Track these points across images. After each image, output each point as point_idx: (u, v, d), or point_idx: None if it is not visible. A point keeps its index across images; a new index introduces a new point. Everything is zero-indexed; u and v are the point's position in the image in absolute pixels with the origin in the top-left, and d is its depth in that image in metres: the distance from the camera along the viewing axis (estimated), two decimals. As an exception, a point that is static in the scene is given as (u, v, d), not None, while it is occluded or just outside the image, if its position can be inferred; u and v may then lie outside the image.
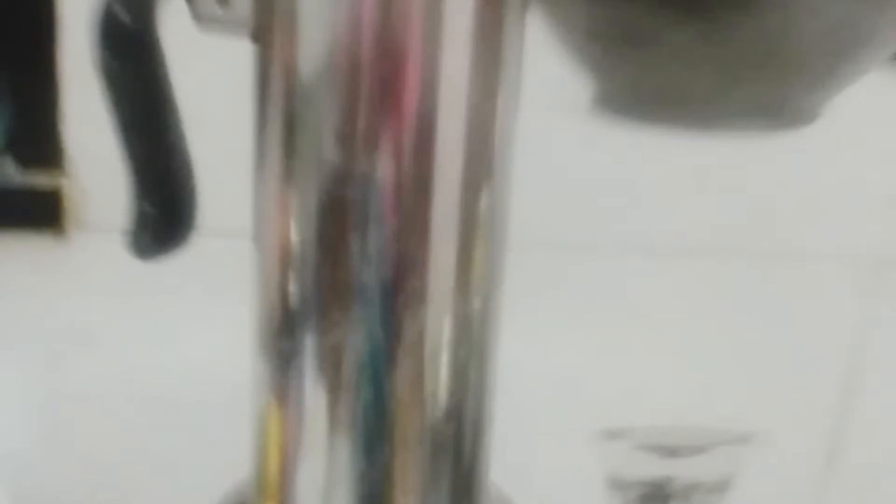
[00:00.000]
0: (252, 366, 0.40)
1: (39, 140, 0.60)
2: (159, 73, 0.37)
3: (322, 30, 0.32)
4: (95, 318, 0.64)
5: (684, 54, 0.60)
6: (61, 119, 0.60)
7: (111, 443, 0.66)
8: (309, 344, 0.35)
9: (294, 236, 0.34)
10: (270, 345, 0.36)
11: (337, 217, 0.33)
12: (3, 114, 0.62)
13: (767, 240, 0.69)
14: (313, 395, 0.35)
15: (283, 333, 0.35)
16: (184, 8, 0.36)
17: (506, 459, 0.41)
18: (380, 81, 0.32)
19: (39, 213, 0.60)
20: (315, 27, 0.32)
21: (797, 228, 0.68)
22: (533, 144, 0.41)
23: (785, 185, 0.67)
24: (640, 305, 0.69)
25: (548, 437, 0.47)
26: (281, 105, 0.33)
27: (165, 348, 0.65)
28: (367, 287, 0.34)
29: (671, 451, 0.73)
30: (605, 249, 0.67)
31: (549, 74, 0.48)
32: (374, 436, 0.36)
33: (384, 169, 0.33)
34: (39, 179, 0.60)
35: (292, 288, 0.34)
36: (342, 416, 0.35)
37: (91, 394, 0.65)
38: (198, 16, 0.35)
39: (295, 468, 0.36)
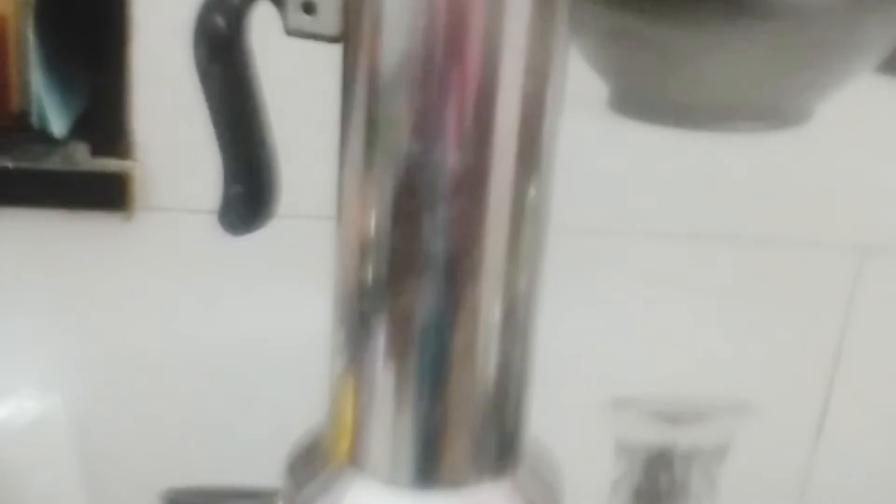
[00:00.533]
0: (320, 334, 0.44)
1: (109, 128, 0.63)
2: (248, 73, 0.41)
3: (401, 38, 0.36)
4: (159, 290, 0.67)
5: (692, 60, 0.64)
6: (129, 110, 0.63)
7: (171, 405, 0.70)
8: (383, 308, 0.39)
9: (372, 216, 0.38)
10: (348, 310, 0.40)
11: (410, 199, 0.37)
12: (76, 103, 0.66)
13: (765, 227, 0.71)
14: (384, 353, 0.39)
15: (360, 299, 0.39)
16: (274, 15, 0.40)
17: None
18: (448, 83, 0.37)
19: (109, 194, 0.64)
20: (395, 35, 0.36)
21: (794, 217, 0.71)
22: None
23: (783, 179, 0.71)
24: (648, 285, 0.72)
25: (562, 406, 0.49)
26: (363, 101, 0.37)
27: (225, 320, 0.68)
28: (434, 260, 0.38)
29: (674, 419, 0.75)
30: (616, 234, 0.70)
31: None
32: (435, 390, 0.40)
33: (450, 158, 0.37)
34: (109, 164, 0.63)
35: (370, 260, 0.39)
36: (408, 372, 0.39)
37: (154, 360, 0.68)
38: (288, 25, 0.39)
39: (368, 417, 0.40)
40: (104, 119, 0.63)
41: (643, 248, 0.70)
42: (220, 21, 0.40)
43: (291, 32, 0.39)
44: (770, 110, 0.66)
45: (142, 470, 0.70)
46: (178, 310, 0.67)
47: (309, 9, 0.38)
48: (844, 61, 0.64)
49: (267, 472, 0.70)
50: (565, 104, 0.42)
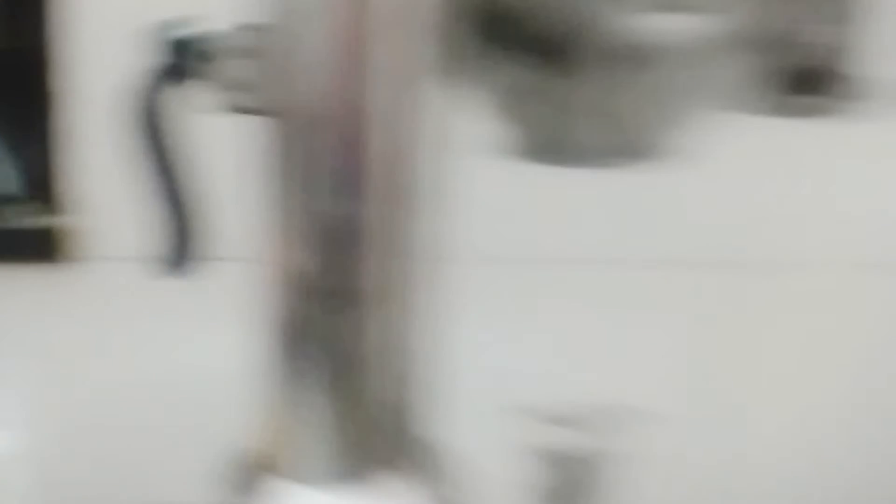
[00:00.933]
0: (241, 366, 0.49)
1: (48, 187, 0.68)
2: (176, 141, 0.47)
3: (311, 104, 0.42)
4: (99, 333, 0.72)
5: (580, 106, 0.70)
6: (66, 171, 0.68)
7: (109, 435, 0.74)
8: (300, 335, 0.45)
9: (290, 255, 0.44)
10: (271, 338, 0.46)
11: (318, 242, 0.44)
12: (15, 165, 0.71)
13: (656, 248, 0.77)
14: (301, 373, 0.45)
15: (282, 329, 0.45)
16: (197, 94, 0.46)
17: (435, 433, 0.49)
18: (336, 148, 0.43)
19: (49, 247, 0.68)
20: (307, 102, 0.42)
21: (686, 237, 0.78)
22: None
23: (672, 205, 0.78)
24: (554, 303, 0.77)
25: (469, 413, 0.53)
26: (281, 159, 0.43)
27: (155, 357, 0.73)
28: (342, 290, 0.44)
29: (577, 423, 0.79)
30: (518, 261, 0.75)
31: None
32: (346, 402, 0.45)
33: (362, 199, 0.43)
34: (49, 220, 0.68)
35: (289, 293, 0.45)
36: (323, 387, 0.45)
37: (94, 395, 0.73)
38: (213, 101, 0.45)
39: (290, 429, 0.46)
40: (42, 179, 0.68)
41: (549, 272, 0.76)
42: (150, 98, 0.46)
43: (217, 107, 0.45)
44: (647, 146, 0.74)
45: (94, 498, 0.75)
46: (112, 349, 0.72)
47: (232, 87, 0.44)
48: (707, 102, 0.72)
49: (199, 489, 0.76)
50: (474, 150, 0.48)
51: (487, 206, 0.71)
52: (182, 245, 0.49)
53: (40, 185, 0.69)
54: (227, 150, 0.51)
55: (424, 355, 0.47)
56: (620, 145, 0.73)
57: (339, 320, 0.45)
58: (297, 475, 0.47)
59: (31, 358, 0.72)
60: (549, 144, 0.72)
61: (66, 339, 0.72)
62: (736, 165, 0.75)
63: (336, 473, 0.46)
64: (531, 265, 0.76)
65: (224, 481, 0.49)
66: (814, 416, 0.84)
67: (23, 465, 0.71)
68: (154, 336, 0.72)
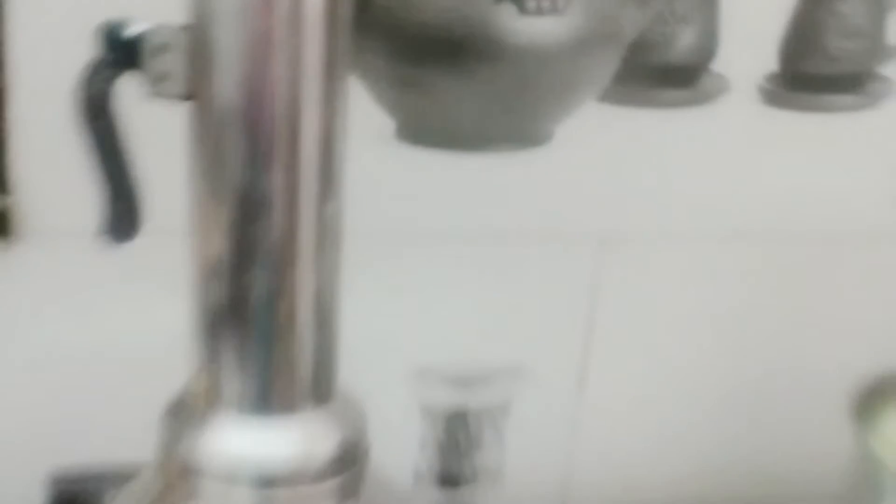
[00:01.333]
0: (175, 330, 0.55)
1: None
2: (117, 125, 0.53)
3: (227, 94, 0.49)
4: (39, 304, 0.77)
5: (451, 97, 0.77)
6: (5, 154, 0.73)
7: (52, 401, 0.79)
8: (228, 293, 0.51)
9: (216, 227, 0.51)
10: (203, 296, 0.52)
11: (242, 214, 0.50)
12: None
13: (523, 225, 0.84)
14: (230, 324, 0.52)
15: (210, 288, 0.52)
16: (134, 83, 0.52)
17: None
18: (263, 127, 0.49)
19: None
20: (224, 92, 0.49)
21: (543, 216, 0.85)
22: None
23: (531, 187, 0.84)
24: (441, 276, 0.83)
25: (371, 376, 0.57)
26: (203, 140, 0.50)
27: (96, 325, 0.78)
28: (263, 255, 0.51)
29: (466, 384, 0.86)
30: (408, 235, 0.81)
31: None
32: (268, 345, 0.52)
33: (269, 182, 0.50)
34: None
35: (216, 259, 0.51)
36: (248, 334, 0.52)
37: (37, 362, 0.78)
38: (147, 90, 0.51)
39: (220, 370, 0.53)
40: None
41: (435, 247, 0.83)
42: (94, 88, 0.52)
43: (150, 95, 0.51)
44: (518, 134, 0.81)
45: (29, 459, 0.79)
46: (55, 319, 0.77)
47: (162, 78, 0.51)
48: (573, 93, 0.80)
49: (138, 453, 0.81)
50: (360, 136, 0.55)
51: (376, 184, 0.77)
52: (121, 220, 0.55)
53: None
54: (160, 133, 0.58)
55: (329, 313, 0.54)
56: (495, 132, 0.80)
57: (253, 282, 0.52)
58: (224, 409, 0.54)
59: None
60: (427, 131, 0.79)
61: (6, 311, 0.77)
62: (602, 150, 0.84)
63: (259, 407, 0.53)
64: (426, 241, 0.83)
65: (162, 422, 0.55)
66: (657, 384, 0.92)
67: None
68: (91, 305, 0.78)
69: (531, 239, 0.85)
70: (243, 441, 0.53)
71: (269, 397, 0.54)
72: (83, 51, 0.52)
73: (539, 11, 0.75)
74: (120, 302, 0.78)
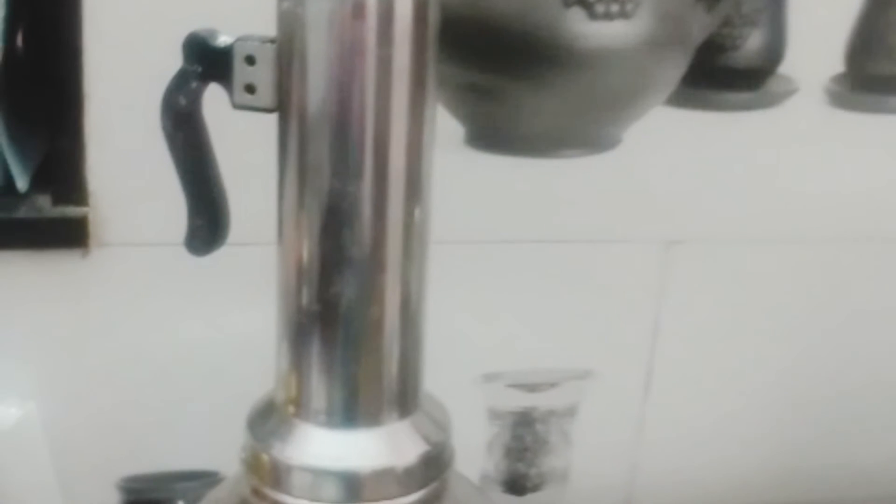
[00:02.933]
0: (253, 340, 0.55)
1: (67, 181, 0.72)
2: (204, 136, 0.52)
3: (319, 107, 0.48)
4: (114, 312, 0.76)
5: (521, 102, 0.76)
6: (83, 165, 0.72)
7: (128, 408, 0.79)
8: (316, 300, 0.50)
9: (306, 235, 0.49)
10: (289, 303, 0.51)
11: (332, 222, 0.49)
12: (35, 162, 0.75)
13: (587, 230, 0.82)
14: (318, 332, 0.51)
15: (299, 294, 0.50)
16: (223, 95, 0.51)
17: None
18: (354, 138, 0.48)
19: (68, 236, 0.73)
20: (315, 105, 0.48)
21: (610, 219, 0.83)
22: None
23: (600, 191, 0.83)
24: (509, 282, 0.82)
25: (444, 381, 0.55)
26: (295, 152, 0.49)
27: (171, 334, 0.77)
28: (352, 263, 0.50)
29: (533, 387, 0.85)
30: (482, 242, 0.80)
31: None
32: (356, 356, 0.51)
33: (359, 191, 0.49)
34: (68, 211, 0.72)
35: (305, 266, 0.50)
36: (336, 343, 0.51)
37: (112, 370, 0.77)
38: (234, 102, 0.50)
39: (307, 379, 0.52)
40: (62, 174, 0.72)
41: (503, 252, 0.81)
42: (181, 99, 0.51)
43: (237, 107, 0.50)
44: (587, 138, 0.80)
45: (104, 462, 0.79)
46: (131, 326, 0.76)
47: (250, 89, 0.50)
48: (641, 97, 0.79)
49: (209, 458, 0.80)
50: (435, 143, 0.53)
51: (445, 190, 0.75)
52: (205, 232, 0.53)
53: (66, 177, 0.73)
54: (246, 144, 0.57)
55: (417, 321, 0.53)
56: (563, 137, 0.79)
57: (343, 289, 0.50)
58: (310, 419, 0.52)
59: (48, 334, 0.76)
60: (496, 136, 0.78)
61: (84, 319, 0.77)
62: (669, 154, 0.82)
63: (346, 419, 0.52)
64: (494, 246, 0.82)
65: (247, 429, 0.54)
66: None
67: (37, 434, 0.76)
68: (166, 314, 0.77)
69: (598, 243, 0.84)
70: (329, 453, 0.52)
71: (356, 409, 0.53)
72: (162, 60, 0.52)
73: (608, 16, 0.74)
74: (194, 311, 0.77)
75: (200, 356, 0.78)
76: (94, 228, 0.73)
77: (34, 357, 0.76)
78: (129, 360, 0.78)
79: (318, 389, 0.52)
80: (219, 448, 0.58)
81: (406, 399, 0.54)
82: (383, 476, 0.52)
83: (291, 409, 0.53)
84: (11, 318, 0.75)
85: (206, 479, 0.80)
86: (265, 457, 0.53)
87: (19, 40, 0.73)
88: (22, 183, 0.73)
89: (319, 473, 0.52)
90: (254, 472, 0.54)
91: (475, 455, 0.87)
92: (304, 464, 0.52)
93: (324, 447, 0.52)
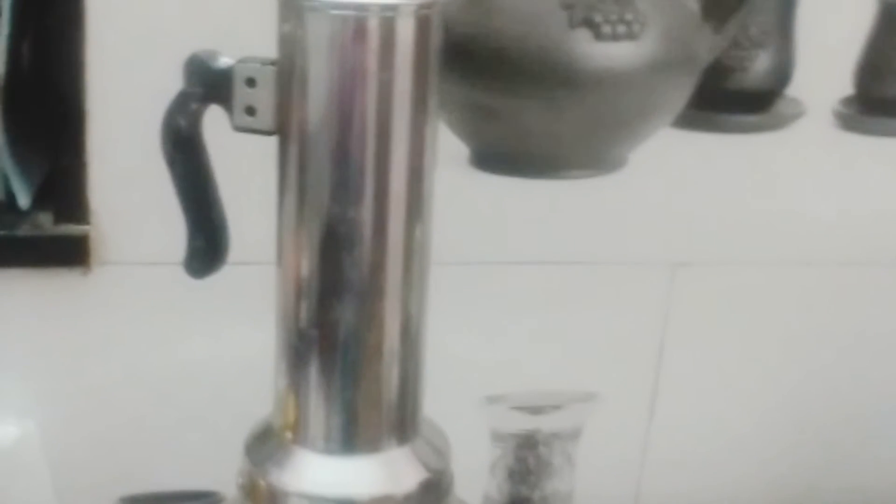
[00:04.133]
0: (252, 360, 0.54)
1: (68, 199, 0.72)
2: (204, 158, 0.51)
3: (319, 129, 0.47)
4: (114, 331, 0.75)
5: (526, 123, 0.76)
6: (85, 184, 0.72)
7: (126, 427, 0.78)
8: (314, 323, 0.49)
9: (305, 257, 0.49)
10: (288, 326, 0.50)
11: (331, 244, 0.48)
12: (37, 180, 0.74)
13: (595, 251, 0.82)
14: (316, 356, 0.50)
15: (297, 317, 0.50)
16: (223, 116, 0.51)
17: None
18: (354, 161, 0.48)
19: (69, 254, 0.72)
20: (315, 127, 0.47)
21: (616, 241, 0.82)
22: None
23: (606, 212, 0.82)
24: (512, 305, 0.82)
25: (447, 404, 0.54)
26: (294, 174, 0.48)
27: (171, 353, 0.77)
28: (351, 286, 0.49)
29: (536, 410, 0.85)
30: (485, 263, 0.80)
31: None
32: (354, 382, 0.50)
33: (359, 213, 0.49)
34: (69, 229, 0.72)
35: (304, 288, 0.49)
36: (334, 368, 0.50)
37: (111, 389, 0.77)
38: (234, 124, 0.49)
39: (305, 405, 0.51)
40: (64, 192, 0.72)
41: (507, 273, 0.81)
42: (181, 121, 0.51)
43: (238, 129, 0.50)
44: (592, 160, 0.79)
45: (103, 481, 0.78)
46: (130, 345, 0.76)
47: (251, 111, 0.49)
48: (648, 118, 0.78)
49: (209, 478, 0.80)
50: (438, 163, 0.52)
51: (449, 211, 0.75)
52: (205, 253, 0.53)
53: (68, 195, 0.73)
54: (244, 164, 0.56)
55: (416, 342, 0.52)
56: (569, 158, 0.78)
57: (342, 313, 0.50)
58: (308, 445, 0.52)
59: (48, 353, 0.76)
60: (501, 157, 0.77)
61: (84, 337, 0.76)
62: (675, 175, 0.81)
63: (345, 445, 0.51)
64: (497, 267, 0.81)
65: (246, 452, 0.53)
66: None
67: (37, 452, 0.75)
68: (166, 333, 0.77)
69: (603, 264, 0.83)
70: (327, 480, 0.51)
71: (355, 435, 0.52)
72: (164, 78, 0.51)
73: (614, 37, 0.73)
74: (194, 330, 0.77)
75: (200, 375, 0.77)
76: (95, 247, 0.73)
77: (34, 375, 0.76)
78: (129, 379, 0.77)
79: (317, 415, 0.52)
80: (218, 468, 0.57)
81: (405, 425, 0.53)
82: (380, 502, 0.51)
83: (289, 434, 0.52)
84: (11, 336, 0.75)
85: (205, 499, 0.79)
86: (262, 483, 0.52)
87: (23, 58, 0.72)
88: (24, 200, 0.73)
89: (317, 501, 0.51)
90: (251, 498, 0.53)
91: (478, 477, 0.86)
92: (302, 490, 0.51)
93: (322, 474, 0.51)
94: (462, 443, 0.55)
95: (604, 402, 0.86)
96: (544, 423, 0.85)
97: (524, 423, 0.85)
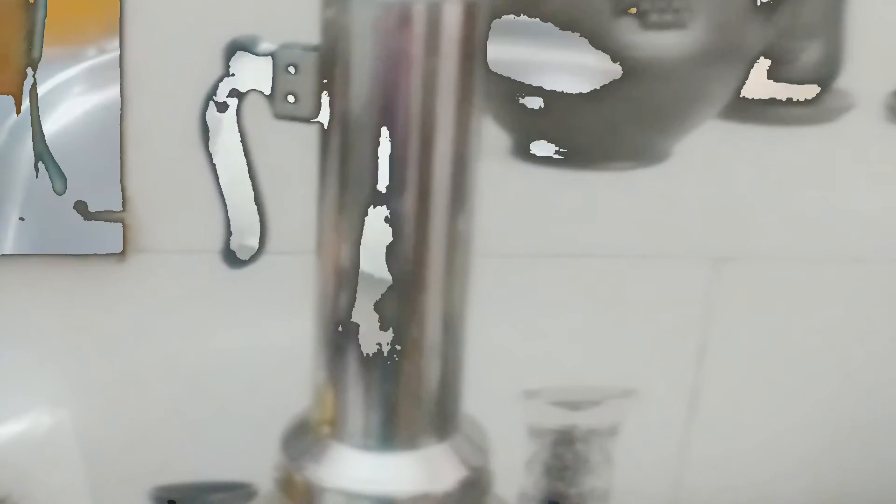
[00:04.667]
0: (289, 350, 0.53)
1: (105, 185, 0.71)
2: (243, 146, 0.50)
3: (362, 115, 0.47)
4: (150, 318, 0.75)
5: (569, 113, 0.74)
6: (124, 167, 0.71)
7: (161, 416, 0.78)
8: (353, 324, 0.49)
9: (345, 248, 0.48)
10: (327, 317, 0.49)
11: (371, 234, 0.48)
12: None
13: (634, 245, 0.81)
14: (355, 349, 0.49)
15: (336, 308, 0.49)
16: (263, 104, 0.49)
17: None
18: (398, 146, 0.47)
19: (105, 241, 0.72)
20: (358, 113, 0.47)
21: (656, 235, 0.81)
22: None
23: (646, 205, 0.82)
24: (551, 298, 0.81)
25: (484, 399, 0.54)
26: (336, 162, 0.48)
27: (207, 342, 0.76)
28: (392, 278, 0.49)
29: (574, 406, 0.84)
30: (526, 256, 0.79)
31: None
32: (394, 376, 0.49)
33: (402, 202, 0.48)
34: (105, 215, 0.72)
35: (344, 279, 0.49)
36: (374, 362, 0.49)
37: (146, 378, 0.76)
38: (276, 111, 0.49)
39: (344, 399, 0.50)
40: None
41: (547, 266, 0.79)
42: (221, 108, 0.50)
43: (278, 116, 0.49)
44: (636, 151, 0.78)
45: (137, 471, 0.78)
46: (166, 334, 0.75)
47: (292, 98, 0.48)
48: (694, 109, 0.77)
49: (243, 470, 0.79)
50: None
51: (488, 202, 0.74)
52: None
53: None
54: (284, 153, 0.56)
55: (457, 335, 0.51)
56: (612, 149, 0.77)
57: (384, 306, 0.49)
58: (346, 441, 0.51)
59: (82, 341, 0.75)
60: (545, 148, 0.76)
61: (119, 326, 0.76)
62: (720, 168, 0.80)
63: (384, 441, 0.51)
64: (537, 260, 0.80)
65: (282, 446, 0.52)
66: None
67: (70, 442, 0.75)
68: (203, 322, 0.76)
69: (645, 258, 0.81)
70: (365, 476, 0.50)
71: (393, 431, 0.51)
72: (202, 64, 0.51)
73: (661, 26, 0.72)
74: (231, 320, 0.76)
75: (237, 365, 0.77)
76: (130, 234, 0.72)
77: (67, 364, 0.75)
78: (164, 369, 0.77)
79: (355, 410, 0.51)
80: (253, 459, 0.57)
81: (445, 421, 0.52)
82: (420, 501, 0.50)
83: (326, 428, 0.52)
84: (45, 324, 0.75)
85: (239, 491, 0.79)
86: (298, 478, 0.51)
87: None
88: (59, 186, 0.72)
89: (354, 497, 0.50)
90: (287, 493, 0.52)
91: (514, 473, 0.85)
92: (339, 487, 0.50)
93: (359, 470, 0.50)
94: (499, 438, 0.55)
95: (643, 399, 0.85)
96: (582, 419, 0.84)
97: (562, 419, 0.84)
